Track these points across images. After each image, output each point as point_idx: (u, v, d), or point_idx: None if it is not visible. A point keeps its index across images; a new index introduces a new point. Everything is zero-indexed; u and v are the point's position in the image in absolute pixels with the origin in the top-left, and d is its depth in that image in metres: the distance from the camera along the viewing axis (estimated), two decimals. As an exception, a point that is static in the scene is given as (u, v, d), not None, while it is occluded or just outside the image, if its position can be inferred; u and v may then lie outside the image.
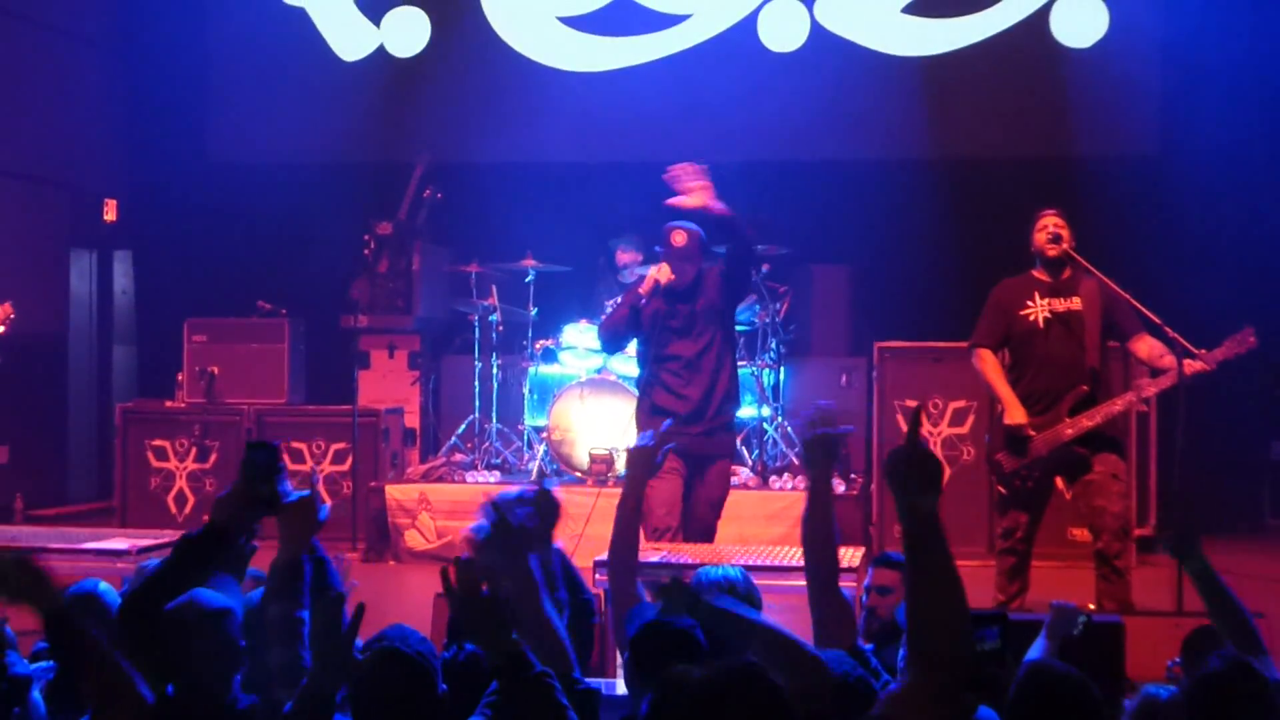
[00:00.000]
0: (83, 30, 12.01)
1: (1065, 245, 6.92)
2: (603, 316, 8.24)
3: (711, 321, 7.31)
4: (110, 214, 12.27)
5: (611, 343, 7.92)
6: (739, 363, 10.00)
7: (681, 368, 7.30)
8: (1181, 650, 4.19)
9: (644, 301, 7.32)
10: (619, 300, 7.79)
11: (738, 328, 10.03)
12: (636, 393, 9.36)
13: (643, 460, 4.62)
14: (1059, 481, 7.05)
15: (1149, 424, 9.42)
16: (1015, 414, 6.90)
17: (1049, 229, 6.95)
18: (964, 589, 2.83)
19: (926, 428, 9.52)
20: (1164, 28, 10.82)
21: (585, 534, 7.64)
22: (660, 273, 7.26)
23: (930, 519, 2.82)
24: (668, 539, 6.94)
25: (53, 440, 11.69)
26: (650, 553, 6.21)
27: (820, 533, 3.97)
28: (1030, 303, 6.98)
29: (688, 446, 7.09)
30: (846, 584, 5.43)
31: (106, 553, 6.50)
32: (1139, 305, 6.88)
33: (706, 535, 7.14)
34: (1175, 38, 10.71)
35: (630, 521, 4.47)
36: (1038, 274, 7.05)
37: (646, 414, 7.35)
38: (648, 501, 6.96)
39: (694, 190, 7.15)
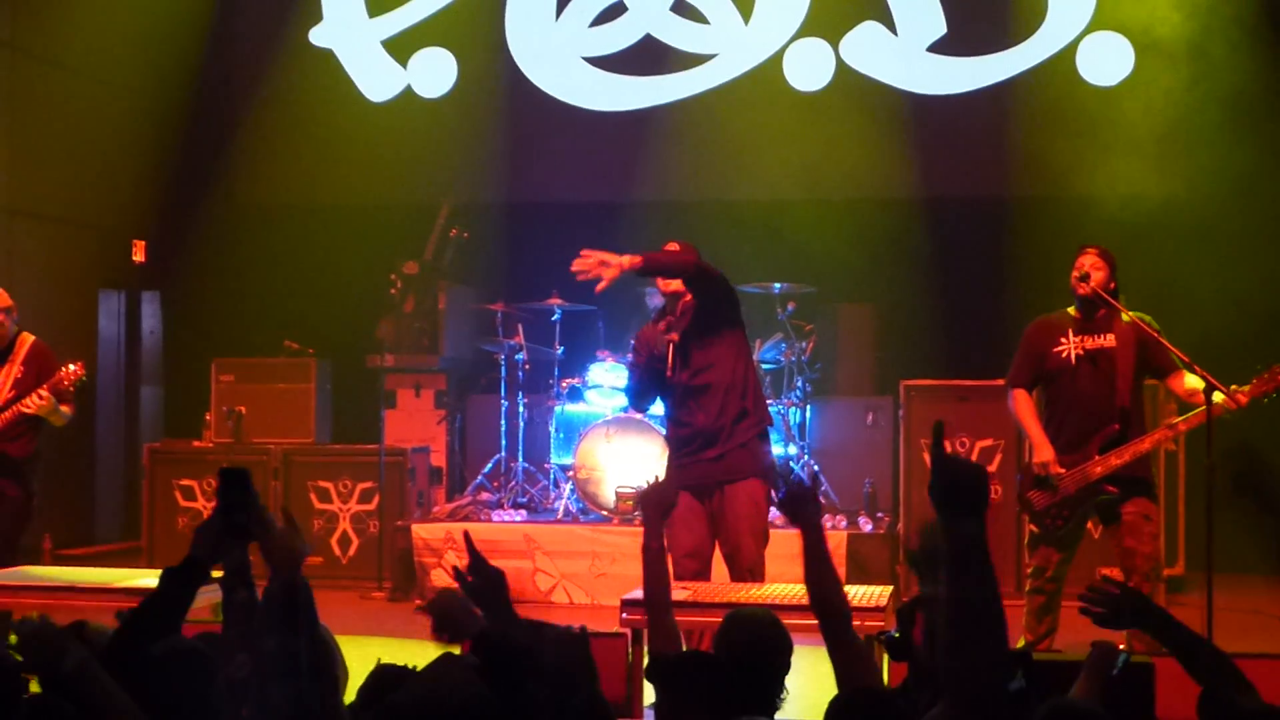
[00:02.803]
0: (111, 74, 12.08)
1: (1094, 284, 6.89)
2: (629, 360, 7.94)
3: (701, 343, 6.87)
4: (138, 255, 12.32)
5: (640, 402, 7.54)
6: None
7: (683, 396, 6.90)
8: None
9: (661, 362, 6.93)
10: (630, 359, 7.41)
11: (764, 366, 10.04)
12: (664, 432, 9.40)
13: (652, 500, 4.60)
14: (1089, 522, 7.01)
15: (1178, 463, 9.37)
16: (1043, 452, 6.87)
17: (1081, 267, 6.93)
18: (1004, 627, 2.73)
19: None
20: (1189, 66, 10.81)
21: (610, 573, 7.66)
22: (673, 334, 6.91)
23: (973, 545, 2.70)
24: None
25: (81, 480, 11.71)
26: (676, 590, 6.13)
27: (824, 578, 3.95)
28: (1063, 340, 6.95)
29: (701, 477, 6.77)
30: (874, 622, 5.41)
31: (136, 592, 6.50)
32: (1168, 345, 6.85)
33: (754, 573, 6.62)
34: (1200, 76, 10.70)
35: (656, 562, 4.43)
36: (1073, 311, 7.03)
37: (670, 454, 7.15)
38: (669, 547, 6.80)
39: (603, 273, 6.67)
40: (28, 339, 7.86)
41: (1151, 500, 6.90)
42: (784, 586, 6.36)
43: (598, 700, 3.27)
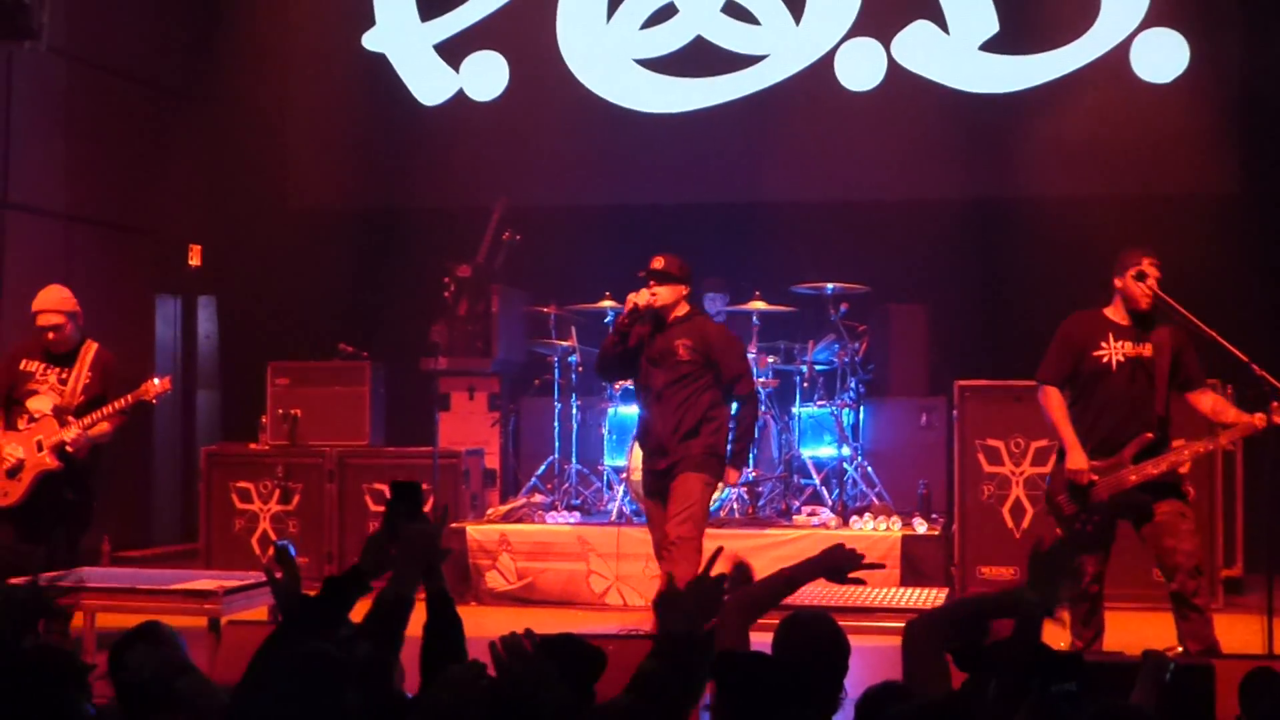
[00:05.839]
0: (166, 80, 12.21)
1: (1155, 291, 6.83)
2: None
3: (688, 364, 7.45)
4: (194, 260, 12.44)
5: (602, 372, 8.31)
6: (819, 403, 10.03)
7: (650, 400, 7.52)
8: (1239, 693, 4.12)
9: (626, 325, 7.58)
10: (616, 327, 7.96)
11: (817, 367, 10.05)
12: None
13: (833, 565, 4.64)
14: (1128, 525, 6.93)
15: (1235, 465, 9.29)
16: (1077, 458, 6.77)
17: (1151, 281, 6.82)
18: None
19: (1008, 466, 9.44)
20: (1245, 63, 10.74)
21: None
22: (639, 296, 7.50)
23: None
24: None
25: (139, 483, 11.82)
26: None
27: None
28: (1104, 344, 6.86)
29: (656, 485, 7.46)
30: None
31: (194, 594, 6.57)
32: (1227, 344, 6.78)
33: (671, 550, 7.21)
34: (1257, 73, 10.62)
35: (780, 594, 4.46)
36: (1111, 313, 6.93)
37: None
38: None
39: None
40: (92, 346, 7.93)
41: (1183, 500, 6.83)
42: (838, 588, 6.36)
43: None
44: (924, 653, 3.91)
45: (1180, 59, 10.80)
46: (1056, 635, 5.99)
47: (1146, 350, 6.82)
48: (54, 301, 7.87)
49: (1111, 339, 6.86)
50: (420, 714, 3.15)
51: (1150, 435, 6.71)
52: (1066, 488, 6.79)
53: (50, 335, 7.82)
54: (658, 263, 7.55)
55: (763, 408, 9.96)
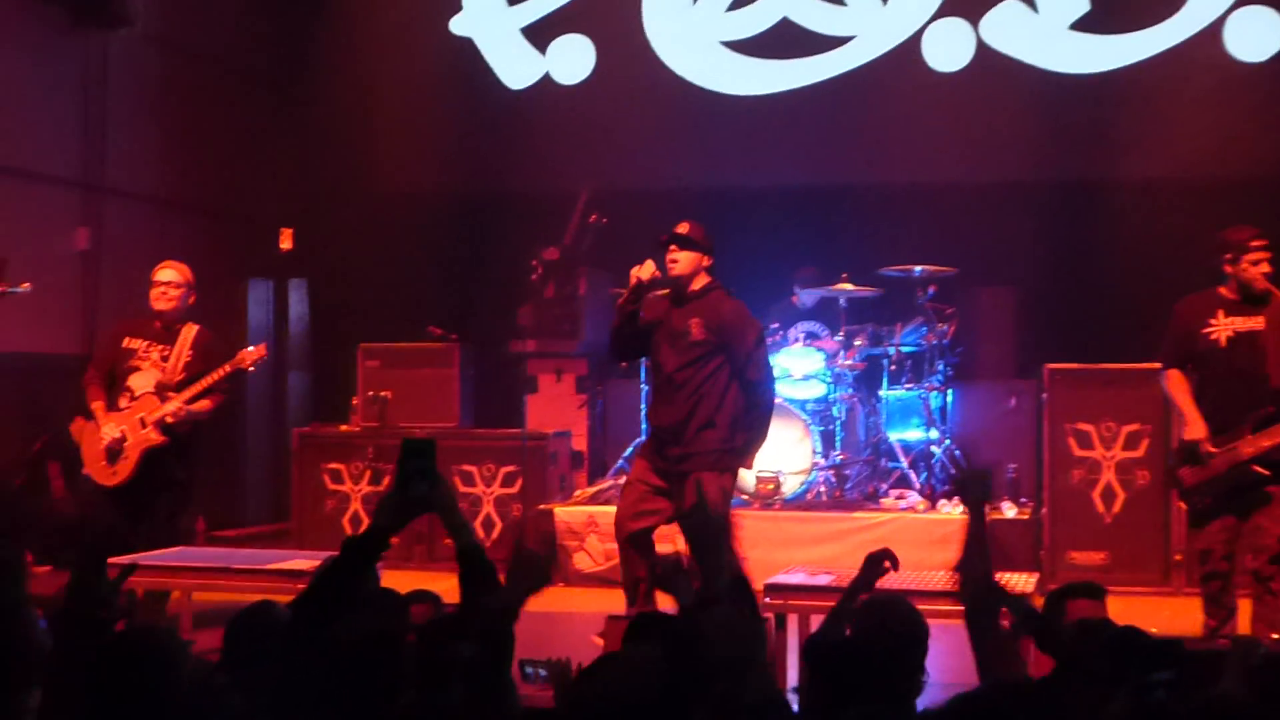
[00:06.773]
0: (257, 66, 12.35)
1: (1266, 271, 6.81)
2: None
3: (700, 345, 7.02)
4: (286, 243, 12.57)
5: (613, 353, 7.98)
6: (906, 386, 9.97)
7: (662, 382, 7.14)
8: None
9: (631, 303, 7.18)
10: (624, 304, 7.43)
11: (904, 349, 9.99)
12: (804, 416, 9.38)
13: (874, 564, 4.71)
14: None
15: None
16: (1195, 429, 6.81)
17: (1264, 263, 6.81)
18: None
19: (1099, 451, 9.36)
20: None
21: (750, 557, 7.66)
22: (643, 269, 7.16)
23: None
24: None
25: (232, 464, 11.98)
26: (796, 572, 6.38)
27: (978, 567, 3.99)
28: (1213, 321, 6.88)
29: (666, 469, 7.02)
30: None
31: (289, 573, 6.68)
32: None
33: None
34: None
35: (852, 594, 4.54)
36: (1224, 291, 6.92)
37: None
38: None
39: None
40: (193, 327, 8.06)
41: None
42: (920, 573, 6.35)
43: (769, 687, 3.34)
44: (984, 628, 3.94)
45: (1275, 37, 10.63)
46: (1144, 621, 5.91)
47: (1259, 323, 6.80)
48: (174, 264, 8.10)
49: (1221, 315, 6.87)
50: (585, 699, 3.21)
51: (1271, 408, 6.68)
52: (1186, 461, 6.81)
53: (160, 291, 7.96)
54: (682, 227, 7.16)
55: (849, 390, 9.93)
